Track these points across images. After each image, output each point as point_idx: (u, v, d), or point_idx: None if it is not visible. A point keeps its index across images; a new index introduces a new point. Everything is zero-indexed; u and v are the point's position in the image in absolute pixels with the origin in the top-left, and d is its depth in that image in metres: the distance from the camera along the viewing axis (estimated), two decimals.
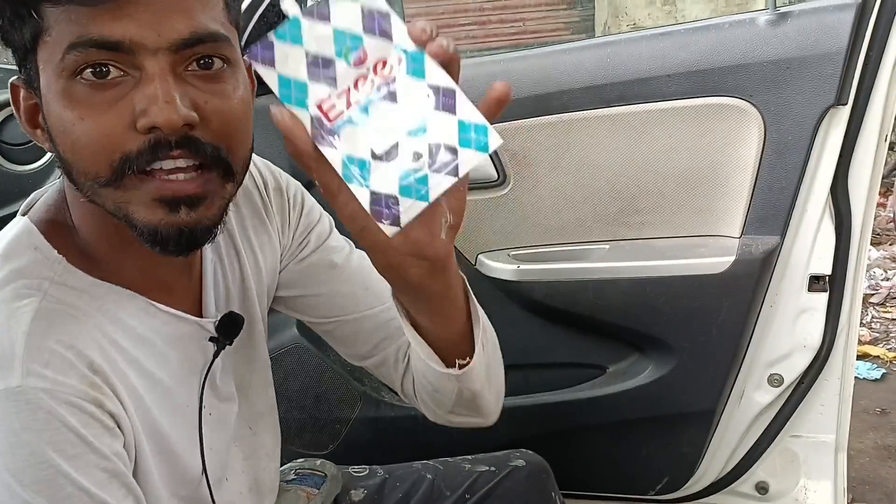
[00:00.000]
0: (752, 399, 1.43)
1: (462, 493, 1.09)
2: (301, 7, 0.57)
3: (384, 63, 0.57)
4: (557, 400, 1.46)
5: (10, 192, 1.38)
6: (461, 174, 0.56)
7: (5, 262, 0.68)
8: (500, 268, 1.38)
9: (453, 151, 0.57)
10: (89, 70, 0.61)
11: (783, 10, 1.25)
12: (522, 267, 1.38)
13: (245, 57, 0.68)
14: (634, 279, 1.35)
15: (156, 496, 0.73)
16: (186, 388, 0.76)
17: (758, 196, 1.30)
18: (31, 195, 0.76)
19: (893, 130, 1.30)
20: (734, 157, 1.30)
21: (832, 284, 1.35)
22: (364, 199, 0.57)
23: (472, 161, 0.57)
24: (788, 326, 1.38)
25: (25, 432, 0.61)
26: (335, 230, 0.96)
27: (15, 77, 0.68)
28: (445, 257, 0.64)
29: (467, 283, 0.74)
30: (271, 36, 0.56)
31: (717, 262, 1.31)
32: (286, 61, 0.56)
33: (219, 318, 0.80)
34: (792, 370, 1.40)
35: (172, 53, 0.62)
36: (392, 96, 0.57)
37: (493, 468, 1.11)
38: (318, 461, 1.15)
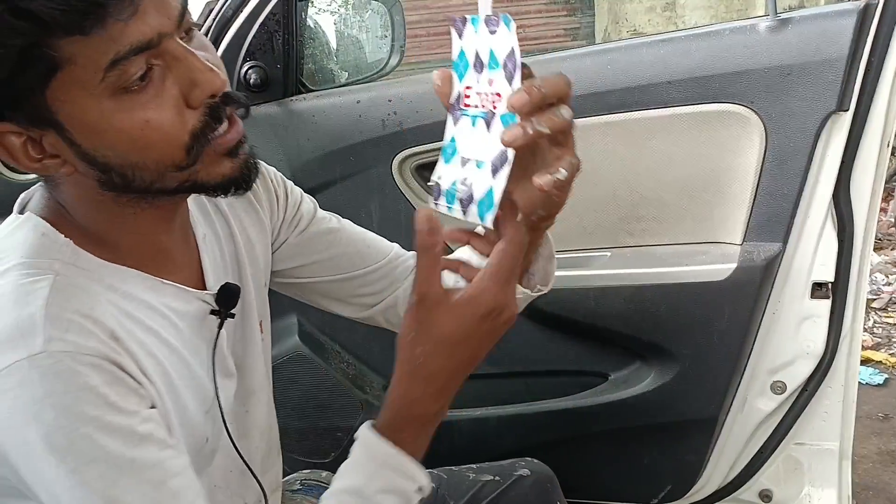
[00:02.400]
0: (754, 406, 1.43)
1: (466, 502, 1.08)
2: (490, 10, 0.68)
3: (499, 96, 0.67)
4: (560, 407, 1.45)
5: (12, 202, 1.38)
6: (460, 217, 0.70)
7: (15, 249, 0.69)
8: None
9: (471, 201, 0.70)
10: (137, 77, 0.63)
11: (784, 16, 1.25)
12: None
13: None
14: (636, 286, 1.35)
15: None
16: (198, 361, 0.78)
17: (759, 203, 1.30)
18: (21, 196, 0.77)
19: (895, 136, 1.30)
20: (735, 163, 1.29)
21: (835, 291, 1.34)
22: (435, 175, 0.74)
23: (470, 219, 0.70)
24: (791, 333, 1.37)
25: (49, 397, 0.62)
26: (316, 204, 1.04)
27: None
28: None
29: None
30: (469, 18, 0.69)
31: (718, 269, 1.31)
32: (469, 40, 0.69)
33: (215, 288, 0.82)
34: (795, 377, 1.39)
35: (177, 29, 0.66)
36: (488, 126, 0.69)
37: (497, 477, 1.10)
38: (324, 473, 1.15)
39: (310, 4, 1.56)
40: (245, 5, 1.39)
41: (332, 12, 1.74)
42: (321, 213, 1.03)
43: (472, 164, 0.70)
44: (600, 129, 1.32)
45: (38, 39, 0.60)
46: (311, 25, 1.59)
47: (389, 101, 1.40)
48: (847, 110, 1.24)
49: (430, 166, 1.41)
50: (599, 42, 6.66)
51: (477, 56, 0.69)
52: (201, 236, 0.84)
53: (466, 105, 0.71)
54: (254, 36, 1.40)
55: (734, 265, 1.30)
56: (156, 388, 0.71)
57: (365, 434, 0.75)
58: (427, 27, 6.87)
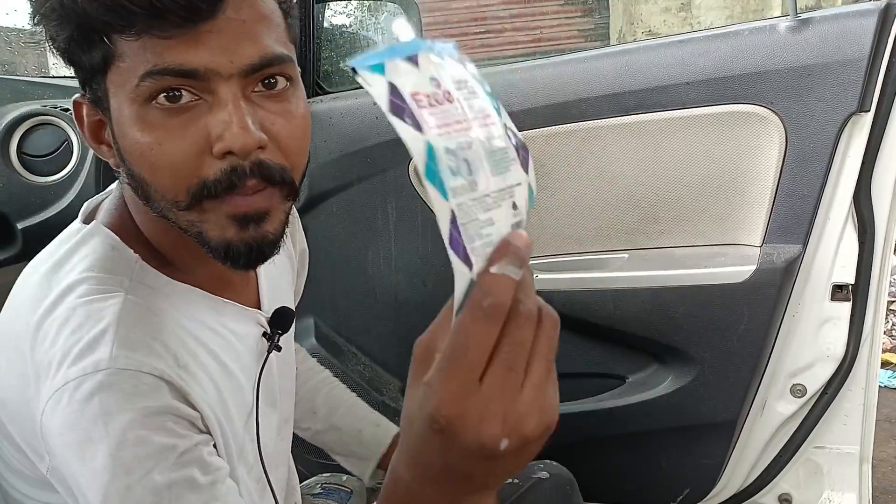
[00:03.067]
0: (774, 410, 1.42)
1: None
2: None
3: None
4: (578, 410, 1.45)
5: (32, 204, 1.39)
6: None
7: (84, 260, 0.70)
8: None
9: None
10: (163, 95, 0.63)
11: (804, 16, 1.24)
12: (541, 276, 1.37)
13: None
14: (654, 288, 1.34)
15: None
16: (249, 385, 0.78)
17: (779, 204, 1.29)
18: (85, 204, 0.78)
19: None
20: (755, 164, 1.28)
21: (855, 293, 1.33)
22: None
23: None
24: (811, 336, 1.36)
25: (106, 414, 0.62)
26: None
27: (78, 94, 0.70)
28: None
29: None
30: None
31: (738, 271, 1.30)
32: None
33: (271, 312, 0.82)
34: (815, 380, 1.38)
35: (242, 78, 0.64)
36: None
37: (516, 480, 1.10)
38: (344, 476, 1.15)
39: (327, 7, 1.57)
40: None
41: (348, 14, 1.74)
42: None
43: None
44: (618, 130, 1.31)
45: (100, 27, 0.62)
46: (328, 27, 1.59)
47: None
48: (868, 111, 1.23)
49: None
50: (614, 43, 6.64)
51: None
52: None
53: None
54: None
55: (753, 267, 1.29)
56: (214, 415, 0.70)
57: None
58: (442, 29, 6.87)
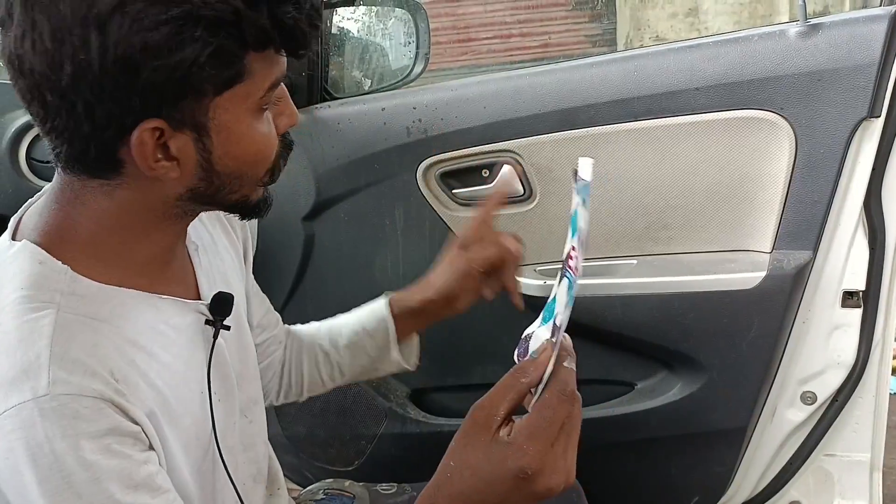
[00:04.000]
0: (784, 417, 1.41)
1: None
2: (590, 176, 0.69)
3: (577, 271, 0.68)
4: (586, 417, 1.42)
5: None
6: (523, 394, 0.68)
7: (12, 280, 0.69)
8: (526, 283, 1.36)
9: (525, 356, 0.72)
10: (273, 101, 0.74)
11: (814, 21, 1.23)
12: (549, 282, 1.36)
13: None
14: (663, 295, 1.33)
15: (183, 482, 0.75)
16: (196, 376, 0.79)
17: (789, 210, 1.28)
18: (12, 220, 0.77)
19: None
20: (765, 170, 1.28)
21: (866, 300, 1.32)
22: (530, 329, 0.75)
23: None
24: (821, 343, 1.35)
25: (50, 441, 0.63)
26: None
27: (147, 123, 0.66)
28: None
29: None
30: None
31: (747, 277, 1.29)
32: (580, 206, 0.70)
33: (209, 299, 0.83)
34: (825, 387, 1.37)
35: None
36: (567, 292, 0.68)
37: None
38: (347, 482, 1.15)
39: (335, 12, 1.57)
40: None
41: (356, 20, 1.74)
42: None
43: (558, 337, 0.68)
44: (627, 136, 1.31)
45: (246, 48, 0.66)
46: (336, 33, 1.59)
47: (414, 108, 1.40)
48: (878, 116, 1.22)
49: (454, 174, 1.41)
50: (621, 49, 6.64)
51: (580, 223, 0.70)
52: (193, 249, 0.86)
53: (569, 266, 0.70)
54: None
55: (763, 273, 1.28)
56: (155, 425, 0.71)
57: None
58: (450, 34, 6.88)
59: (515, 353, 0.74)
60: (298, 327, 1.14)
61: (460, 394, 1.54)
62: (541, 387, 0.66)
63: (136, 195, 0.72)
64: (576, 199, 0.69)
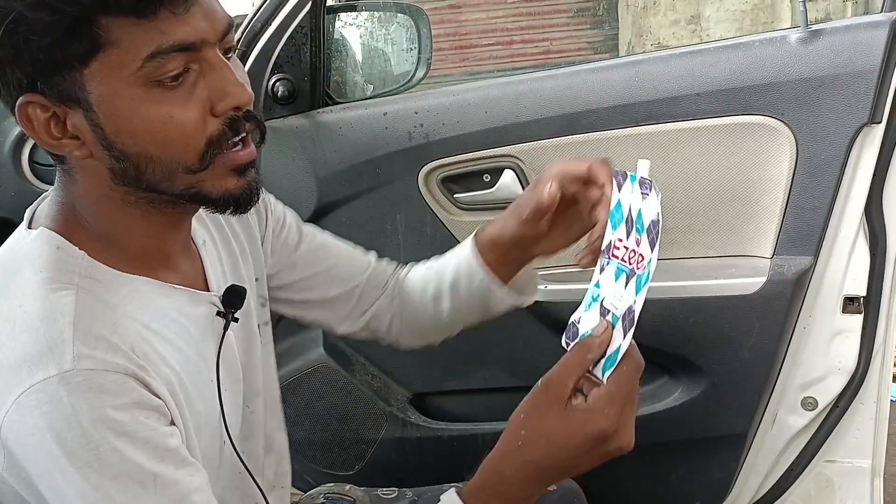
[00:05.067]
0: (785, 423, 1.41)
1: None
2: (647, 173, 0.77)
3: (641, 258, 0.73)
4: None
5: None
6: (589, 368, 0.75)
7: (32, 263, 0.70)
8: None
9: (602, 355, 0.74)
10: (171, 74, 0.67)
11: (815, 27, 1.23)
12: (550, 287, 1.37)
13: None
14: (664, 299, 1.33)
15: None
16: (207, 365, 0.79)
17: (790, 216, 1.28)
18: (27, 212, 0.78)
19: None
20: (765, 176, 1.28)
21: (867, 306, 1.32)
22: (575, 315, 0.79)
23: (594, 370, 0.75)
24: (822, 349, 1.35)
25: (77, 414, 0.63)
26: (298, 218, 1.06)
27: (23, 97, 0.67)
28: None
29: None
30: (629, 174, 0.77)
31: (748, 282, 1.29)
32: (627, 195, 0.77)
33: (222, 291, 0.83)
34: (826, 393, 1.37)
35: (220, 42, 0.70)
36: (627, 281, 0.74)
37: None
38: (348, 486, 1.15)
39: (337, 18, 1.57)
40: (274, 18, 1.40)
41: (358, 25, 1.75)
42: (307, 227, 1.06)
43: (609, 317, 0.75)
44: (628, 141, 1.31)
45: (91, 14, 0.62)
46: (338, 38, 1.60)
47: (416, 113, 1.40)
48: (879, 122, 1.23)
49: (456, 178, 1.41)
50: (623, 55, 6.65)
51: (629, 212, 0.76)
52: (201, 242, 0.86)
53: (615, 256, 0.76)
54: (282, 48, 1.41)
55: (764, 279, 1.28)
56: (175, 403, 0.72)
57: (450, 498, 0.77)
58: (451, 41, 6.90)
59: (563, 338, 0.79)
60: (404, 279, 1.08)
61: (461, 398, 1.54)
62: (602, 361, 0.74)
63: (85, 180, 0.73)
64: (619, 196, 0.77)
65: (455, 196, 1.41)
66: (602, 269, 0.78)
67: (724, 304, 1.31)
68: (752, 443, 1.41)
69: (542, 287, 1.36)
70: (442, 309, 1.02)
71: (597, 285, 0.78)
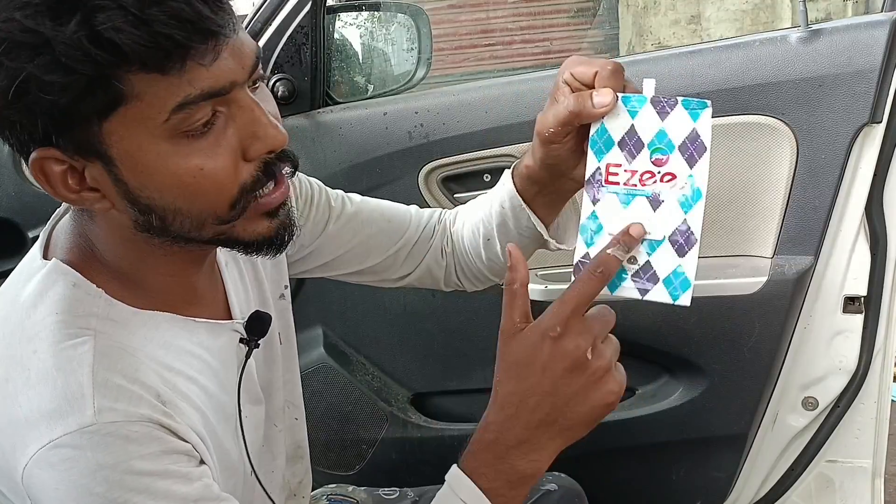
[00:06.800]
0: (785, 423, 1.41)
1: None
2: (655, 91, 0.70)
3: (672, 177, 0.69)
4: None
5: (43, 213, 1.37)
6: (644, 298, 0.71)
7: (49, 304, 0.67)
8: (529, 288, 1.36)
9: (655, 281, 0.70)
10: (200, 123, 0.62)
11: (815, 27, 1.23)
12: (550, 287, 1.36)
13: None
14: None
15: None
16: (229, 395, 0.77)
17: (790, 215, 1.28)
18: (42, 233, 0.75)
19: None
20: (766, 175, 1.28)
21: (867, 306, 1.32)
22: (578, 254, 0.74)
23: (660, 299, 0.71)
24: (823, 349, 1.35)
25: (102, 469, 0.61)
26: (326, 187, 1.01)
27: (36, 152, 0.63)
28: None
29: None
30: (619, 96, 0.71)
31: (749, 282, 1.29)
32: (616, 119, 0.71)
33: (245, 319, 0.80)
34: (827, 393, 1.37)
35: (248, 79, 0.65)
36: (656, 205, 0.70)
37: None
38: (350, 487, 1.14)
39: (337, 17, 1.57)
40: (274, 18, 1.40)
41: (358, 25, 1.75)
42: (336, 198, 1.01)
43: (645, 246, 0.71)
44: None
45: (111, 71, 0.57)
46: (339, 38, 1.60)
47: (416, 112, 1.40)
48: (880, 122, 1.22)
49: (456, 178, 1.41)
50: (623, 55, 6.64)
51: (632, 134, 0.70)
52: (223, 263, 0.83)
53: (610, 182, 0.71)
54: (282, 48, 1.41)
55: (765, 278, 1.28)
56: (202, 440, 0.69)
57: (451, 473, 0.75)
58: (451, 41, 6.89)
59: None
60: (454, 226, 1.05)
61: (461, 398, 1.54)
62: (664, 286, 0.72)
63: (105, 224, 0.70)
64: (602, 120, 0.72)
65: (455, 196, 1.41)
66: (596, 199, 0.72)
67: (725, 304, 1.31)
68: (753, 443, 1.41)
69: (542, 287, 1.36)
70: (496, 253, 0.97)
71: (594, 217, 0.73)
